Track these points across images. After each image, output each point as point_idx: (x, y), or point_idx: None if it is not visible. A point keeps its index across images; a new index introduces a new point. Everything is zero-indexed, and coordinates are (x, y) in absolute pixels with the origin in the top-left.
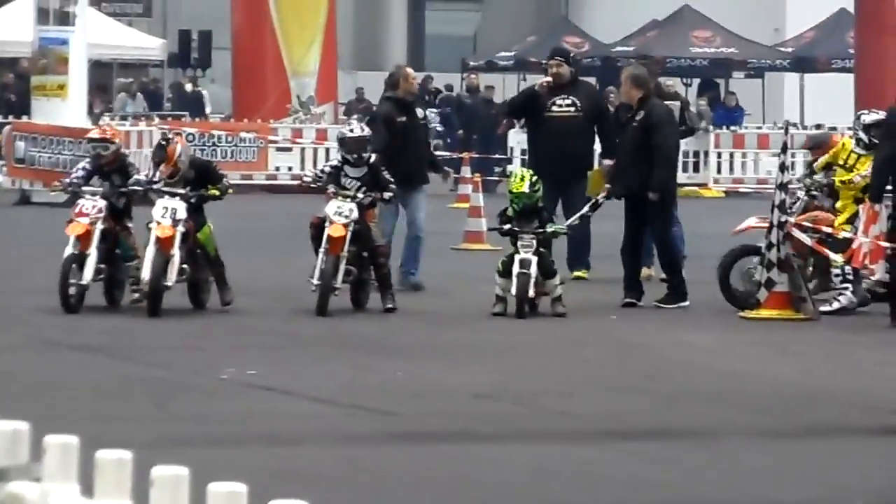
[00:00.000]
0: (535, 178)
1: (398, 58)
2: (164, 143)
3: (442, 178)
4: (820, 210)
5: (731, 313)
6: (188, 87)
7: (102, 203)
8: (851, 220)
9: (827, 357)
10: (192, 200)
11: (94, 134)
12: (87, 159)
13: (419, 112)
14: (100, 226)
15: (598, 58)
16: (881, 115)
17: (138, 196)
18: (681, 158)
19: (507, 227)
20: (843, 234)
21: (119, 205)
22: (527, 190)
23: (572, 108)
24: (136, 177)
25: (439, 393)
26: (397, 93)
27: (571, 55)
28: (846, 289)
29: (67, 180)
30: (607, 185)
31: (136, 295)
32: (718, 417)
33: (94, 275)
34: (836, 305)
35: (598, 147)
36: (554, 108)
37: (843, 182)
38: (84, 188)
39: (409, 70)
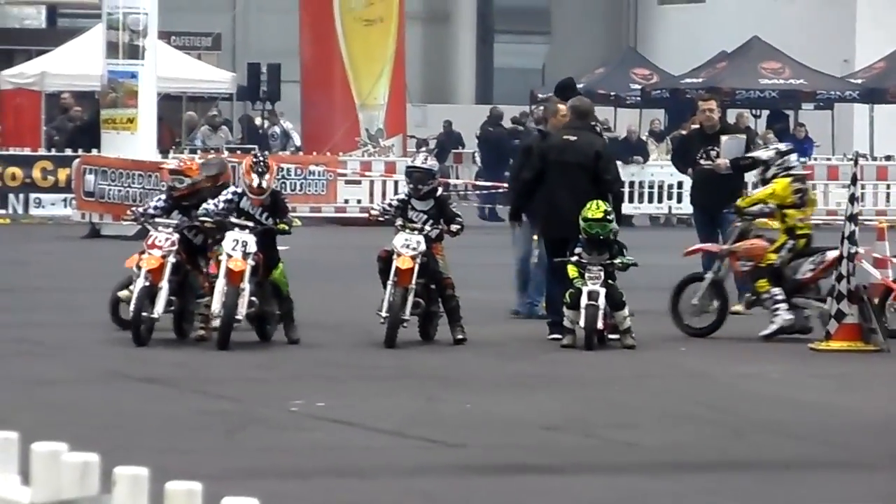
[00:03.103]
0: (609, 209)
1: (467, 90)
2: (261, 159)
3: None
4: (759, 238)
5: (800, 344)
6: (273, 128)
7: (175, 236)
8: (779, 249)
9: None
10: (260, 229)
11: (173, 165)
12: (165, 193)
13: None
14: (171, 259)
15: (666, 90)
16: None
17: (211, 229)
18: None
19: (575, 258)
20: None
21: (196, 241)
22: (599, 217)
23: None
24: (204, 206)
25: (508, 425)
26: (548, 126)
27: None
28: (777, 310)
29: (141, 209)
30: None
31: (202, 332)
32: (787, 449)
33: (165, 307)
34: (773, 328)
35: None
36: None
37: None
38: (157, 220)
39: (561, 106)
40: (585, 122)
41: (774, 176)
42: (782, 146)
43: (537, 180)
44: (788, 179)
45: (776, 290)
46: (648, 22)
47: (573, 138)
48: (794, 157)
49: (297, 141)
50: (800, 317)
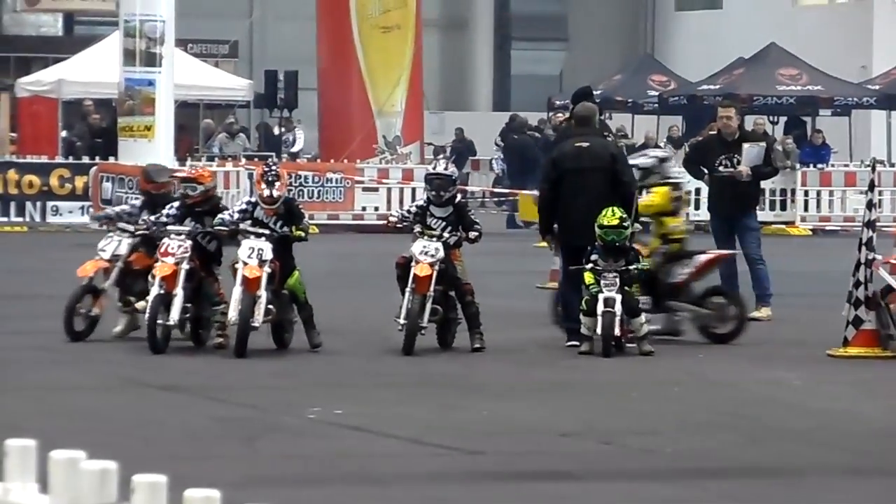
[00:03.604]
0: (624, 215)
1: (484, 97)
2: (272, 169)
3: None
4: (638, 244)
5: (818, 351)
6: (287, 134)
7: (188, 242)
8: (653, 254)
9: None
10: (276, 236)
11: (183, 173)
12: (178, 201)
13: None
14: (185, 265)
15: (683, 96)
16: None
17: (225, 236)
18: (767, 196)
19: (591, 265)
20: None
21: (210, 248)
22: (615, 224)
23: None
24: (220, 216)
25: (526, 432)
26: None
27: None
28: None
29: (153, 219)
30: None
31: (220, 340)
32: (806, 456)
33: (181, 314)
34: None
35: None
36: None
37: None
38: (170, 227)
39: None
40: (591, 128)
41: (655, 184)
42: (661, 153)
43: (555, 190)
44: (668, 188)
45: (644, 299)
46: (665, 28)
47: (586, 144)
48: (671, 163)
49: (298, 147)
50: (671, 320)
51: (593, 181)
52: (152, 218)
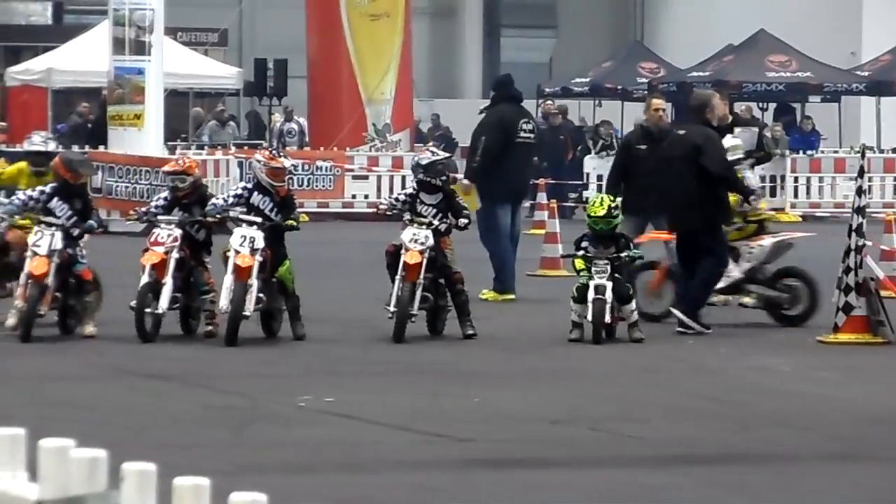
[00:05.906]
0: (614, 204)
1: (474, 85)
2: (280, 153)
3: None
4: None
5: (808, 336)
6: (289, 124)
7: (178, 232)
8: None
9: None
10: (268, 225)
11: (170, 167)
12: (166, 191)
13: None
14: (175, 254)
15: (673, 83)
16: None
17: (215, 224)
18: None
19: (581, 252)
20: None
21: (198, 237)
22: (603, 214)
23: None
24: (213, 200)
25: (516, 419)
26: (648, 120)
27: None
28: None
29: (143, 209)
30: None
31: (211, 328)
32: (795, 442)
33: (170, 303)
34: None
35: None
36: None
37: None
38: (160, 217)
39: (655, 101)
40: (697, 116)
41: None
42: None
43: (624, 174)
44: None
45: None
46: (655, 15)
47: (682, 132)
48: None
49: (307, 137)
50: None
51: (678, 169)
52: (142, 209)
